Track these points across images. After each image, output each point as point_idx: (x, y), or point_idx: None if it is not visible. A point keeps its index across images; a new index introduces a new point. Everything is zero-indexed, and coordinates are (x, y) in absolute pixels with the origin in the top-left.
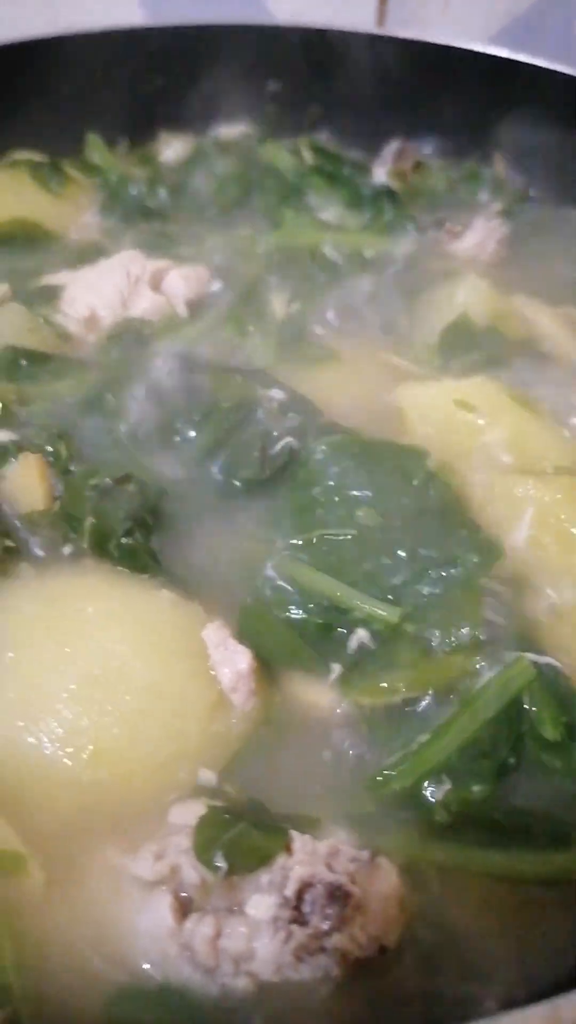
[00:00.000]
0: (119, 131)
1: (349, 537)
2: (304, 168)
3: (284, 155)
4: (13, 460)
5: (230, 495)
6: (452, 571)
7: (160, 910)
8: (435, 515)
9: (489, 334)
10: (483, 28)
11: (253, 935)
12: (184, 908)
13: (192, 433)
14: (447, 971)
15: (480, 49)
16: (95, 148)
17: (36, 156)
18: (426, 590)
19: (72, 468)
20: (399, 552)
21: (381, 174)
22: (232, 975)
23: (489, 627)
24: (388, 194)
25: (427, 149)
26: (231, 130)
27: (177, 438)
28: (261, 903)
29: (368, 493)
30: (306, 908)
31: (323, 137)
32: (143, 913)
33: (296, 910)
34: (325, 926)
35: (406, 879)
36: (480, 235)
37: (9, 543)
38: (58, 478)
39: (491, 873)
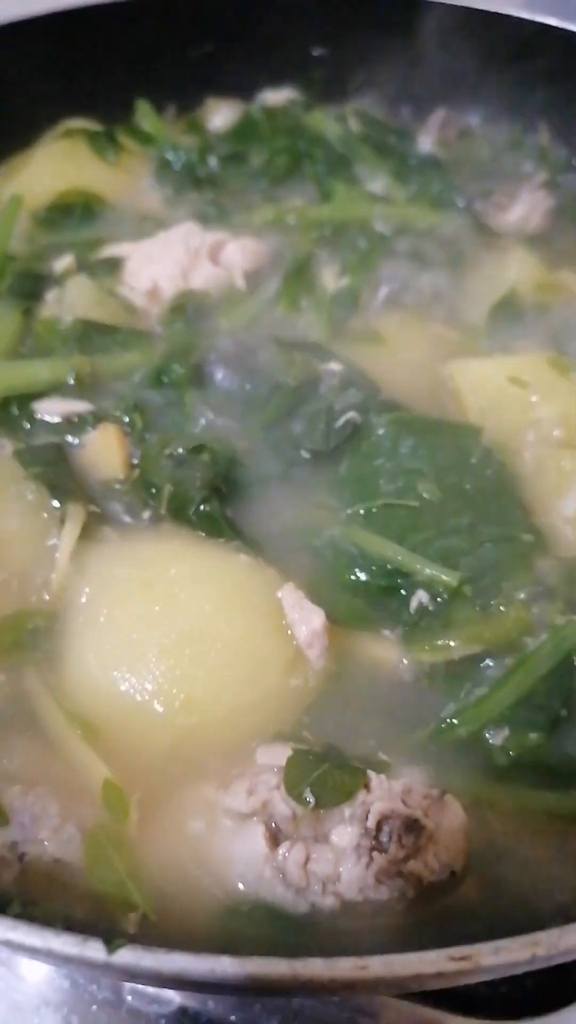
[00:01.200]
0: (167, 97)
1: (410, 507)
2: (351, 137)
3: (331, 123)
4: (91, 430)
5: (297, 465)
6: (507, 544)
7: (255, 838)
8: (492, 494)
9: (538, 309)
10: None
11: (339, 860)
12: (276, 837)
13: (259, 406)
14: (507, 893)
15: (525, 15)
16: (145, 115)
17: (89, 124)
18: (482, 558)
19: (147, 437)
20: (457, 523)
21: (426, 143)
22: (320, 894)
23: (542, 592)
24: (434, 164)
25: (472, 118)
26: (277, 96)
27: (244, 410)
28: (345, 833)
29: (428, 467)
30: (384, 838)
31: (368, 103)
32: (237, 841)
33: (376, 839)
34: (402, 853)
35: (470, 815)
36: (526, 208)
37: (94, 508)
38: (135, 447)
39: (546, 811)
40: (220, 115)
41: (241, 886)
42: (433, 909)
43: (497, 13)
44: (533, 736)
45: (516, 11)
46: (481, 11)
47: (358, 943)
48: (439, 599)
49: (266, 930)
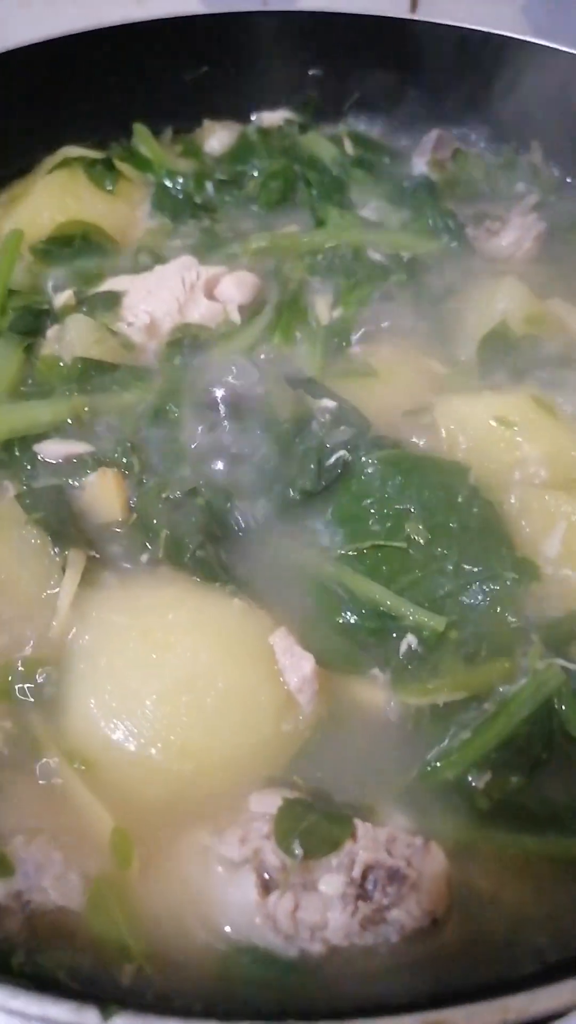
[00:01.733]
0: (163, 120)
1: (398, 548)
2: (346, 159)
3: (326, 145)
4: (90, 472)
5: (288, 505)
6: (492, 586)
7: (246, 886)
8: (478, 532)
9: (527, 342)
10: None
11: (326, 908)
12: (267, 885)
13: (252, 445)
14: (488, 936)
15: (517, 36)
16: (142, 138)
17: (88, 152)
18: (468, 601)
19: (145, 480)
20: (444, 565)
21: (420, 164)
22: (309, 940)
23: (524, 637)
24: (427, 186)
25: (465, 137)
26: (273, 116)
27: (237, 449)
28: (332, 882)
29: (416, 507)
30: (370, 887)
31: (362, 124)
32: (230, 888)
33: (361, 888)
34: (386, 901)
35: (453, 857)
36: (517, 233)
37: (93, 554)
38: (133, 490)
39: (524, 855)
40: (216, 137)
41: (233, 931)
42: (416, 952)
43: (490, 33)
44: (514, 779)
45: (510, 32)
46: (474, 31)
47: (346, 986)
48: (427, 643)
49: (259, 973)
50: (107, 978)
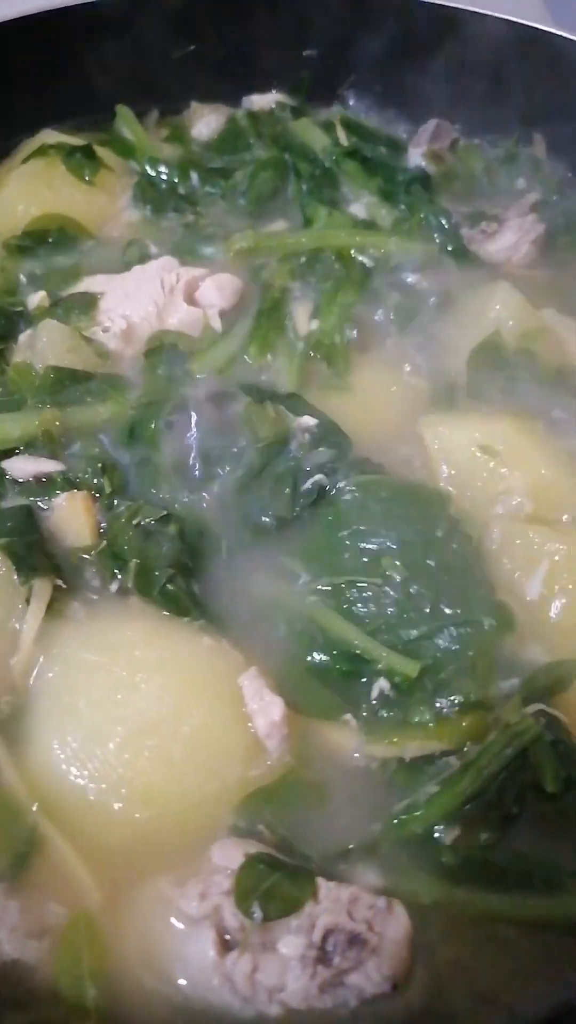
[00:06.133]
0: (149, 101)
1: (374, 585)
2: (338, 150)
3: (318, 134)
4: (59, 493)
5: (261, 533)
6: (468, 631)
7: (204, 944)
8: (457, 571)
9: (520, 357)
10: None
11: (285, 970)
12: (226, 944)
13: (227, 466)
14: (451, 999)
15: (522, 21)
16: (125, 120)
17: (67, 138)
18: (443, 645)
19: (116, 503)
20: (420, 604)
21: (417, 155)
22: (266, 1003)
23: (499, 685)
24: (423, 180)
25: (465, 127)
26: (264, 100)
27: (212, 470)
28: (291, 943)
29: (394, 543)
30: (329, 950)
31: (358, 111)
32: (189, 943)
33: (321, 951)
34: (345, 966)
35: (417, 914)
36: (515, 235)
37: (60, 583)
38: (103, 513)
39: (491, 914)
40: (205, 122)
41: (189, 987)
42: (376, 1016)
43: (494, 16)
44: (484, 835)
45: (514, 16)
46: (477, 14)
47: None
48: (399, 688)
49: None
50: None
